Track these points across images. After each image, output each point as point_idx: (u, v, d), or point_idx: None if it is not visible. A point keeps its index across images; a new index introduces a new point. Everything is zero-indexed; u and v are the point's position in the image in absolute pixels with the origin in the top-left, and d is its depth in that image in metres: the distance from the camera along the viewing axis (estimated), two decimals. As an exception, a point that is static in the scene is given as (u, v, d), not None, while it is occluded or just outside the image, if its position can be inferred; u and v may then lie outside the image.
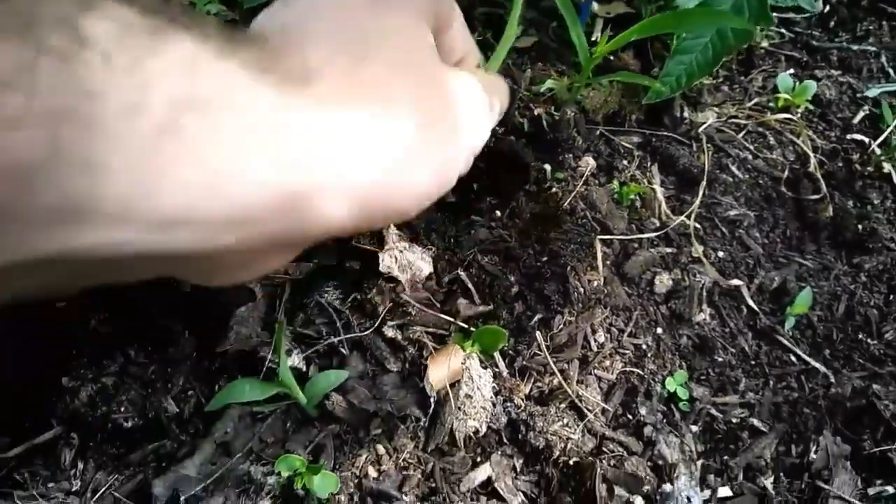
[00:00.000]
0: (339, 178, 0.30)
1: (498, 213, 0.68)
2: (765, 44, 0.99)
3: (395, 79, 0.33)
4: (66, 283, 0.28)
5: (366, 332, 0.52)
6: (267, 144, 0.27)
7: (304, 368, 0.51)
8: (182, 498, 0.44)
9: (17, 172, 0.22)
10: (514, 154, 0.71)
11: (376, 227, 0.32)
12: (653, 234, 0.70)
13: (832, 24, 1.05)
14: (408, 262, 0.55)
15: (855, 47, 1.00)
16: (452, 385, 0.53)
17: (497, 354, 0.57)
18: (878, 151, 0.85)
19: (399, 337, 0.54)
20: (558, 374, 0.57)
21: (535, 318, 0.58)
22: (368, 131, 0.31)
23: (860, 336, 0.72)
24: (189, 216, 0.26)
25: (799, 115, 0.87)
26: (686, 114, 0.83)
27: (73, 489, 0.46)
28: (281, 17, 0.34)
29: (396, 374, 0.52)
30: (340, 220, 0.32)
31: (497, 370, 0.57)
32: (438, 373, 0.52)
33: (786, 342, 0.69)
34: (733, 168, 0.79)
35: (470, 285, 0.58)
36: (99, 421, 0.47)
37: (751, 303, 0.70)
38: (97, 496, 0.46)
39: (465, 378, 0.53)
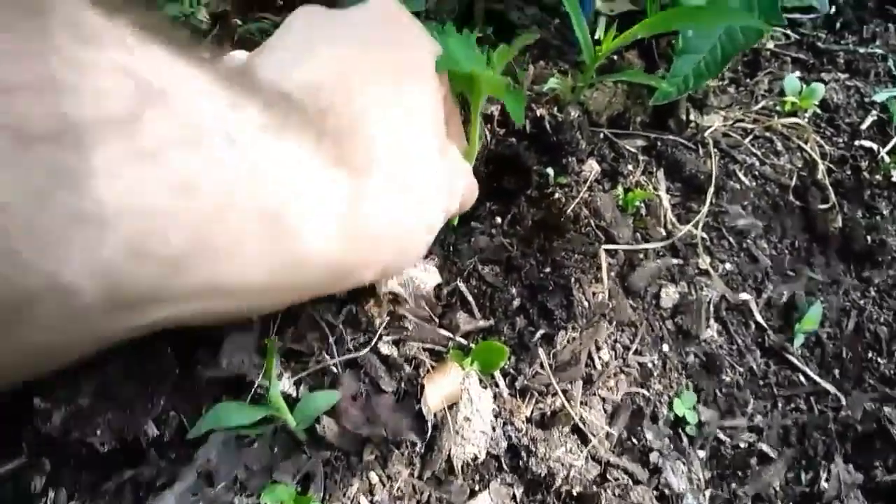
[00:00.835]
0: (382, 255, 0.38)
1: (498, 219, 0.65)
2: (770, 45, 0.96)
3: (425, 166, 0.40)
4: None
5: (361, 352, 0.49)
6: (341, 233, 0.33)
7: (294, 392, 0.47)
8: (160, 532, 0.41)
9: (172, 261, 0.26)
10: (516, 156, 0.68)
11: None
12: (659, 245, 0.67)
13: (838, 25, 1.02)
14: (410, 276, 0.52)
15: (862, 50, 0.98)
16: (450, 407, 0.50)
17: (497, 373, 0.54)
18: (886, 159, 0.83)
19: (395, 354, 0.50)
20: (561, 395, 0.54)
21: (538, 334, 0.55)
22: (406, 221, 0.38)
23: (870, 355, 0.69)
24: (271, 289, 0.33)
25: (806, 119, 0.85)
26: (692, 117, 0.80)
27: (43, 519, 0.43)
28: (304, 71, 0.36)
29: (391, 394, 0.49)
30: (367, 282, 0.42)
31: (497, 390, 0.54)
32: (436, 394, 0.49)
33: (795, 361, 0.66)
34: (740, 174, 0.77)
35: (469, 298, 0.55)
36: (73, 446, 0.44)
37: (759, 318, 0.67)
38: (68, 527, 0.42)
39: (464, 399, 0.50)
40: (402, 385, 0.50)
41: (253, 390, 0.46)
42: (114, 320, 0.27)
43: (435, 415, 0.49)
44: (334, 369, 0.49)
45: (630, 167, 0.72)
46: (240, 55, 0.44)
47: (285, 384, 0.47)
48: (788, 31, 0.98)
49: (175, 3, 0.61)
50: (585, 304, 0.58)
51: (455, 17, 0.82)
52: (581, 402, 0.56)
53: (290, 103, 0.32)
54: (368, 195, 0.34)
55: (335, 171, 0.33)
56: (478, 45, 0.76)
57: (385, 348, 0.50)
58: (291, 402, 0.46)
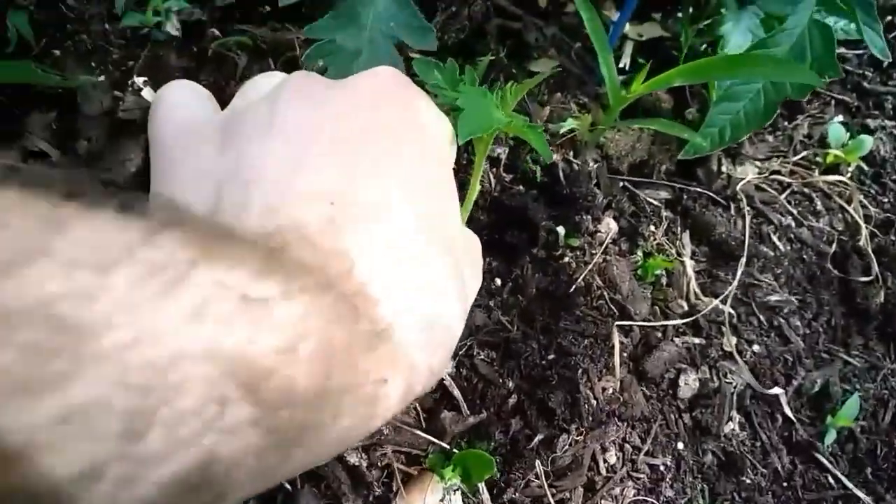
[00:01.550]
0: (411, 396, 0.29)
1: (498, 281, 0.56)
2: (812, 83, 0.87)
3: (447, 283, 0.31)
4: None
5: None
6: (363, 417, 0.26)
7: None
8: None
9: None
10: (523, 209, 0.59)
11: None
12: (679, 322, 0.59)
13: (885, 64, 0.93)
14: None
15: (912, 94, 0.89)
16: (426, 531, 0.42)
17: (482, 483, 0.46)
18: (936, 227, 0.74)
19: (364, 464, 0.42)
20: (557, 508, 0.46)
21: (535, 440, 0.47)
22: (433, 354, 0.30)
23: (907, 453, 0.62)
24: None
25: (849, 174, 0.76)
26: (723, 167, 0.71)
27: None
28: (309, 179, 0.29)
29: (356, 514, 0.41)
30: None
31: (480, 499, 0.46)
32: (409, 517, 0.41)
33: (824, 461, 0.58)
34: (774, 238, 0.68)
35: (457, 393, 0.47)
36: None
37: (787, 411, 0.59)
38: None
39: (443, 520, 0.42)
40: (371, 499, 0.42)
41: None
42: None
43: (406, 542, 0.41)
44: (287, 484, 0.41)
45: (652, 227, 0.63)
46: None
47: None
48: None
49: (137, 14, 0.53)
50: (594, 401, 0.50)
51: (465, 37, 0.73)
52: (580, 516, 0.48)
53: (299, 264, 0.24)
54: (397, 354, 0.27)
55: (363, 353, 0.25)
56: (488, 70, 0.67)
57: (352, 457, 0.42)
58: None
